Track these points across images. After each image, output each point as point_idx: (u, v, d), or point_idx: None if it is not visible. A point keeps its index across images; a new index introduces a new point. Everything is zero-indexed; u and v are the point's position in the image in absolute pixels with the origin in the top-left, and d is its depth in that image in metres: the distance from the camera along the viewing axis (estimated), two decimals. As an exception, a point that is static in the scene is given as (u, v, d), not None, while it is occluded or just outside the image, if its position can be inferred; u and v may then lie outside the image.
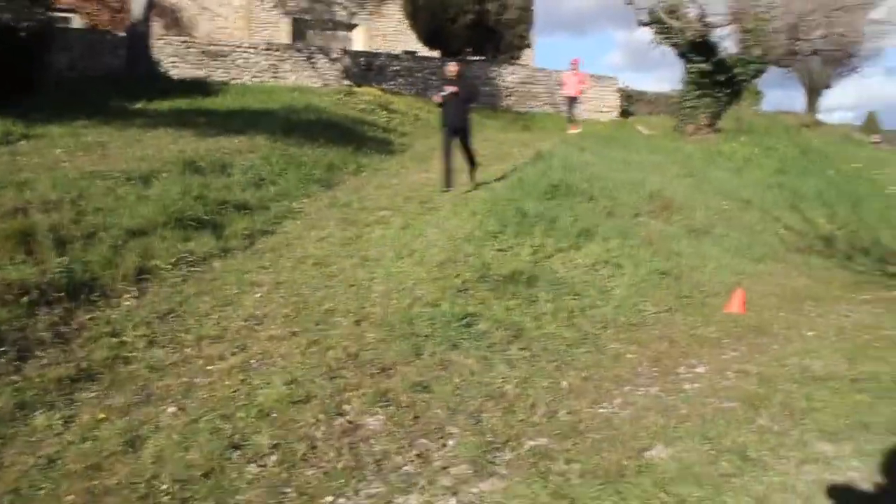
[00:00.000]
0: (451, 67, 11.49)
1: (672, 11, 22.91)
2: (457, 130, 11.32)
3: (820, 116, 39.79)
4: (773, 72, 25.99)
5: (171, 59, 20.74)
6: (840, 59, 35.45)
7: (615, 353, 6.46)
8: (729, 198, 15.74)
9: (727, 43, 24.45)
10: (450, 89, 11.05)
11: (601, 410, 5.16)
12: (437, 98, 11.38)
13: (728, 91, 23.97)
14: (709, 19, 22.91)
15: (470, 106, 11.58)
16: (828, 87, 40.76)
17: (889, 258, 14.49)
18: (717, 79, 23.44)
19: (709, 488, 3.93)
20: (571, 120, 21.82)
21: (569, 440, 4.60)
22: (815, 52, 26.25)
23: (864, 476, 4.07)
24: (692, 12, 23.04)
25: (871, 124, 41.54)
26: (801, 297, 9.28)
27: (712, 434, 4.61)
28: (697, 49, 23.08)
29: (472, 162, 11.78)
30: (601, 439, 4.63)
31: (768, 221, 15.06)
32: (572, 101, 22.07)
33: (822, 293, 9.62)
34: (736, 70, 23.48)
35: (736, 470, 4.14)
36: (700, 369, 6.05)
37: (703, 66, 23.25)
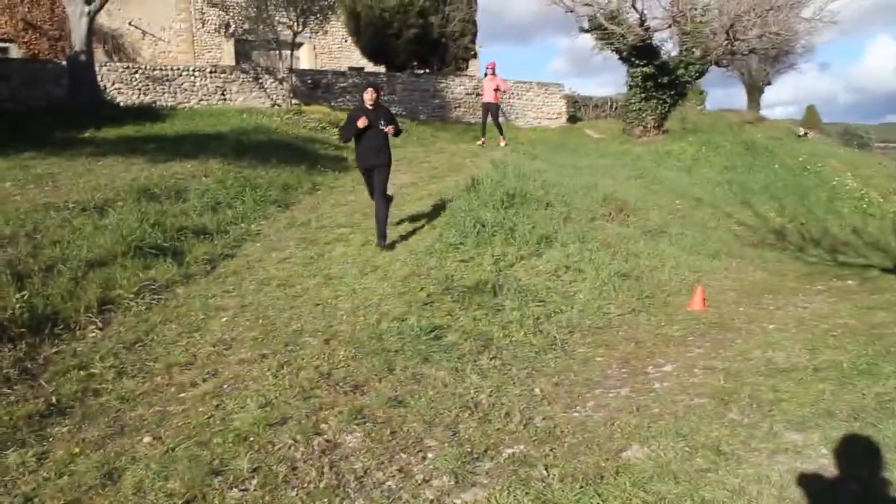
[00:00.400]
0: (368, 94, 9.17)
1: (612, 17, 23.32)
2: (373, 169, 9.27)
3: (762, 112, 40.65)
4: (714, 71, 26.59)
5: (116, 85, 20.47)
6: (776, 56, 36.38)
7: (584, 357, 6.54)
8: (681, 197, 16.05)
9: (668, 45, 25.02)
10: (363, 122, 8.88)
11: (575, 414, 5.22)
12: (363, 122, 8.86)
13: (672, 92, 24.47)
14: (648, 23, 23.35)
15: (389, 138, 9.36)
16: (767, 83, 41.72)
17: (838, 248, 14.90)
18: (661, 81, 23.92)
19: (686, 484, 4.01)
20: (499, 131, 18.58)
21: (546, 446, 4.66)
22: (752, 51, 26.93)
23: (833, 462, 4.19)
24: (632, 17, 23.47)
25: (810, 118, 42.53)
26: (759, 290, 9.48)
27: (685, 431, 4.70)
28: (640, 53, 23.53)
29: (384, 214, 9.31)
30: (578, 443, 4.70)
31: (721, 218, 15.39)
32: (489, 109, 18.47)
33: (779, 286, 9.83)
34: (678, 72, 23.99)
35: (711, 464, 4.23)
36: (668, 368, 6.15)
37: (647, 69, 23.72)
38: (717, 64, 25.67)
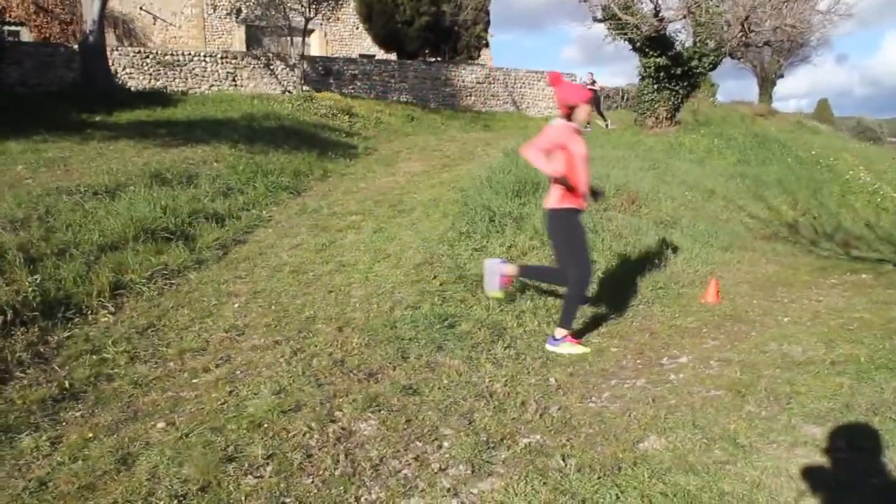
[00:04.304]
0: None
1: (626, 7, 23.19)
2: None
3: (775, 105, 40.45)
4: (726, 63, 26.46)
5: (127, 70, 20.46)
6: (790, 49, 36.18)
7: (598, 348, 6.49)
8: (693, 189, 15.94)
9: (682, 36, 24.87)
10: None
11: (591, 405, 5.18)
12: None
13: (685, 84, 24.37)
14: (663, 14, 23.21)
15: None
16: (780, 76, 41.49)
17: (851, 242, 14.79)
18: (674, 72, 23.81)
19: (705, 476, 3.96)
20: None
21: (562, 436, 4.61)
22: (766, 43, 26.79)
23: (853, 456, 4.14)
24: (646, 7, 23.35)
25: (822, 111, 42.29)
26: (772, 283, 9.41)
27: (702, 422, 4.65)
28: (653, 44, 23.40)
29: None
30: (594, 433, 4.65)
31: (733, 210, 15.29)
32: None
33: (792, 279, 9.75)
34: (692, 63, 23.86)
35: (729, 457, 4.18)
36: (683, 359, 6.10)
37: (660, 60, 23.61)
38: (731, 56, 25.54)
